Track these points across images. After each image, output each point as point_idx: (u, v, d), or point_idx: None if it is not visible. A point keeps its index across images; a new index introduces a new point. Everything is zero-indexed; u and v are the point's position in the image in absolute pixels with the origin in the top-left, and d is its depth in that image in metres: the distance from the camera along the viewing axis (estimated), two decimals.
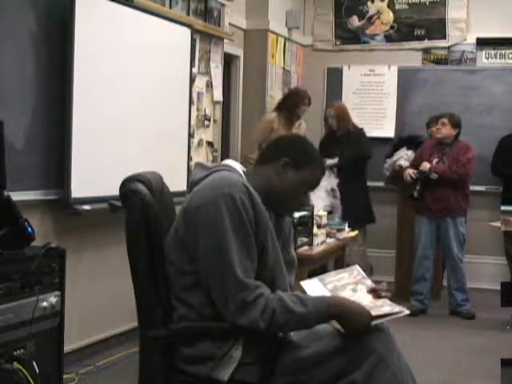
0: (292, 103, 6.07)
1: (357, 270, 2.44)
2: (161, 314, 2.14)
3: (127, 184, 2.21)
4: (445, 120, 5.71)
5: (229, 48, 6.06)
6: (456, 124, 5.72)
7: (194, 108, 5.28)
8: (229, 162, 2.29)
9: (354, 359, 2.06)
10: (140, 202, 2.16)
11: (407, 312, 2.16)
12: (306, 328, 2.12)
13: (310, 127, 6.54)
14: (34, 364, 2.84)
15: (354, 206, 6.01)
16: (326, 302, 2.10)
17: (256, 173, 2.25)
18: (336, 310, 2.08)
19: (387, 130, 7.31)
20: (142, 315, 2.19)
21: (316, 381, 2.09)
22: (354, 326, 2.08)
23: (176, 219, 2.18)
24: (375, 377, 2.04)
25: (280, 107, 6.09)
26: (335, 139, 6.35)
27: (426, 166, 5.69)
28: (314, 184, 2.27)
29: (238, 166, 2.25)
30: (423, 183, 5.74)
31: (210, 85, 5.61)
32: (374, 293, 2.26)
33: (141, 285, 2.18)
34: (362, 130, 6.45)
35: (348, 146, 6.21)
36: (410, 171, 5.83)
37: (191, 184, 2.22)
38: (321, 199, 5.75)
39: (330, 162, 6.06)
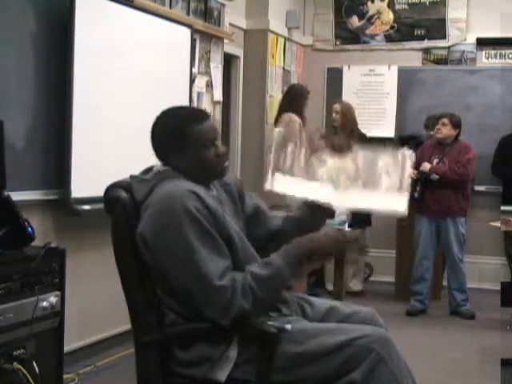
0: (303, 100, 6.07)
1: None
2: (153, 319, 2.14)
3: (110, 191, 2.22)
4: (445, 120, 5.71)
5: (229, 48, 6.06)
6: (456, 124, 5.72)
7: None
8: (161, 167, 2.25)
9: (353, 358, 2.06)
10: (123, 209, 2.16)
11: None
12: (287, 283, 2.14)
13: (310, 127, 6.53)
14: (34, 364, 2.84)
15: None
16: (290, 249, 2.12)
17: (177, 173, 2.21)
18: (302, 249, 2.11)
19: (387, 129, 7.32)
20: (134, 321, 2.19)
21: (314, 379, 2.08)
22: (326, 252, 2.13)
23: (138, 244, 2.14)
24: (374, 377, 2.04)
25: (293, 106, 6.05)
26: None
27: (426, 166, 5.68)
28: (209, 138, 2.21)
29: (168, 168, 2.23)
30: (423, 184, 5.74)
31: (210, 85, 5.61)
32: (335, 148, 2.30)
33: (130, 292, 2.18)
34: (366, 136, 6.44)
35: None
36: (410, 172, 5.81)
37: (138, 203, 2.16)
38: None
39: None
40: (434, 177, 5.67)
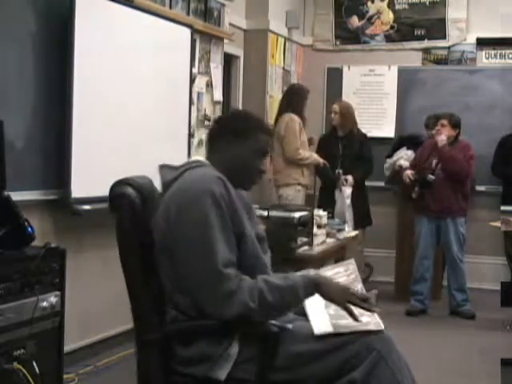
0: (303, 100, 6.10)
1: (353, 266, 2.46)
2: (155, 318, 2.14)
3: (115, 188, 2.21)
4: (444, 122, 5.70)
5: (229, 48, 6.06)
6: (456, 125, 5.71)
7: (194, 108, 5.28)
8: (196, 157, 2.33)
9: (353, 358, 2.06)
10: (129, 206, 2.14)
11: (381, 328, 2.14)
12: (297, 302, 2.14)
13: (310, 127, 6.54)
14: (34, 364, 2.84)
15: (356, 209, 6.05)
16: (312, 275, 2.18)
17: (213, 159, 2.29)
18: (321, 279, 2.14)
19: (387, 129, 7.31)
20: (136, 320, 2.19)
21: (314, 378, 2.09)
22: (335, 293, 2.13)
23: (157, 224, 2.16)
24: (374, 376, 2.05)
25: (293, 106, 6.07)
26: (335, 138, 6.36)
27: (442, 139, 5.62)
28: (263, 150, 2.32)
29: (204, 159, 2.30)
30: (421, 184, 5.74)
31: (209, 85, 5.61)
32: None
33: (134, 291, 2.17)
34: (366, 136, 6.46)
35: (350, 149, 6.23)
36: (409, 172, 5.84)
37: (163, 186, 2.22)
38: (349, 208, 5.84)
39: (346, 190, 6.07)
40: (430, 178, 5.67)
